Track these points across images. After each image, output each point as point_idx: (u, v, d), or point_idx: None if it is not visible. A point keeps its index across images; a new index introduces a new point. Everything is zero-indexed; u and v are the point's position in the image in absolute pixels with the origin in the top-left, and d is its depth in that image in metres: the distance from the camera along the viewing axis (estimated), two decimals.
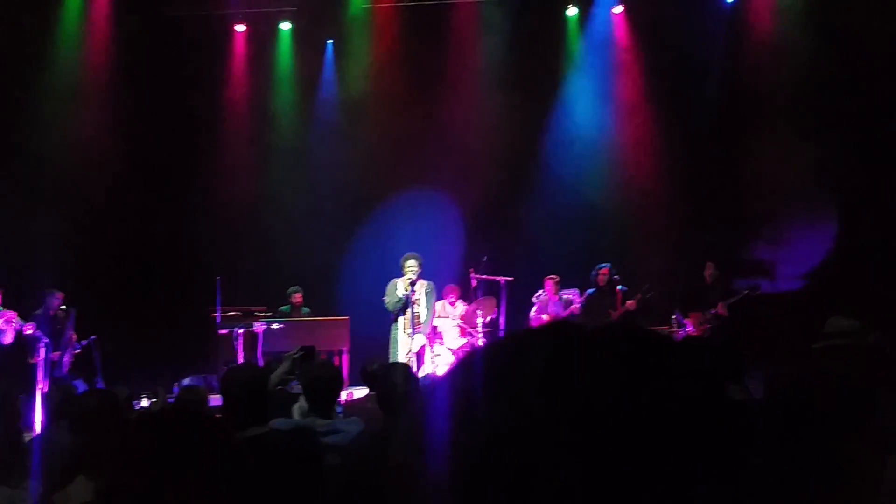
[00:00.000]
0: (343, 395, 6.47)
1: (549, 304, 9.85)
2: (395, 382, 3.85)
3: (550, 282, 9.88)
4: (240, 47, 11.96)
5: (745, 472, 0.61)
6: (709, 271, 9.60)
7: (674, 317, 9.77)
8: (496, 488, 0.58)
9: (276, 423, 3.66)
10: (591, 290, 9.70)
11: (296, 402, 4.35)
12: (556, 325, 0.67)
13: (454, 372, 0.69)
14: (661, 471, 0.57)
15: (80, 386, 7.76)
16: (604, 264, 9.64)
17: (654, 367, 0.62)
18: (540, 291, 9.95)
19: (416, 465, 0.64)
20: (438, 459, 0.62)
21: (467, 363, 0.68)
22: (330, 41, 11.94)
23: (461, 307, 9.87)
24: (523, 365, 0.63)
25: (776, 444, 2.61)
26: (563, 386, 0.60)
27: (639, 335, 0.66)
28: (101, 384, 9.01)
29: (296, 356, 4.54)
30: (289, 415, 4.24)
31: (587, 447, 0.57)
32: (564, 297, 9.81)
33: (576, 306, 9.68)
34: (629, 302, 9.43)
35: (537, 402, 0.60)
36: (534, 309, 10.00)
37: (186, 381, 5.52)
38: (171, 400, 7.04)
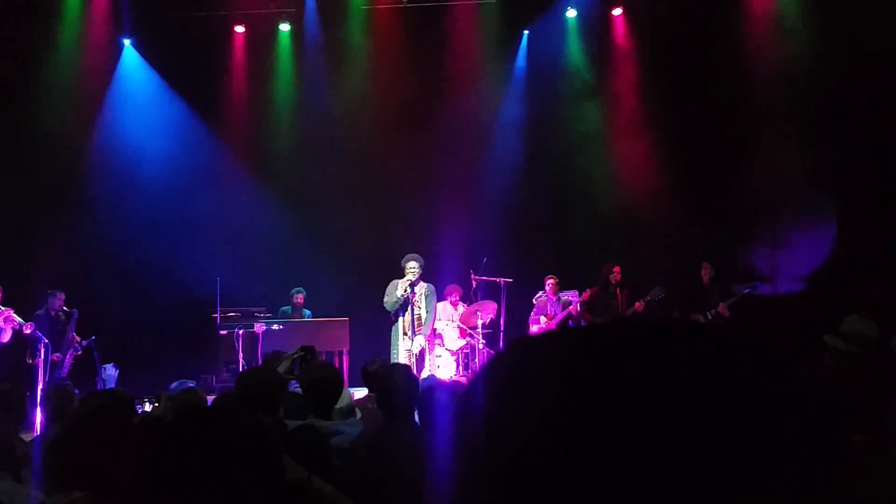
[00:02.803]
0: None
1: (547, 304, 9.82)
2: (394, 383, 3.84)
3: (550, 282, 9.85)
4: (239, 48, 11.97)
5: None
6: (706, 272, 9.56)
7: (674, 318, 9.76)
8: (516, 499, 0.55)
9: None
10: (595, 288, 9.58)
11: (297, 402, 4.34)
12: (579, 329, 0.63)
13: (477, 380, 0.65)
14: (707, 480, 0.53)
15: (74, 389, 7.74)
16: (615, 263, 9.54)
17: (692, 361, 0.57)
18: (540, 293, 9.93)
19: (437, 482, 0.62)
20: (461, 473, 0.60)
21: (489, 371, 0.64)
22: (325, 39, 11.96)
23: (462, 308, 9.86)
24: (546, 367, 0.59)
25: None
26: (589, 390, 0.56)
27: (668, 328, 0.61)
28: (100, 385, 9.02)
29: (296, 356, 4.51)
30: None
31: (615, 455, 0.54)
32: (564, 298, 9.78)
33: (574, 307, 9.62)
34: (637, 304, 9.32)
35: (560, 408, 0.56)
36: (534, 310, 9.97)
37: (174, 385, 5.46)
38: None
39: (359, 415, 4.51)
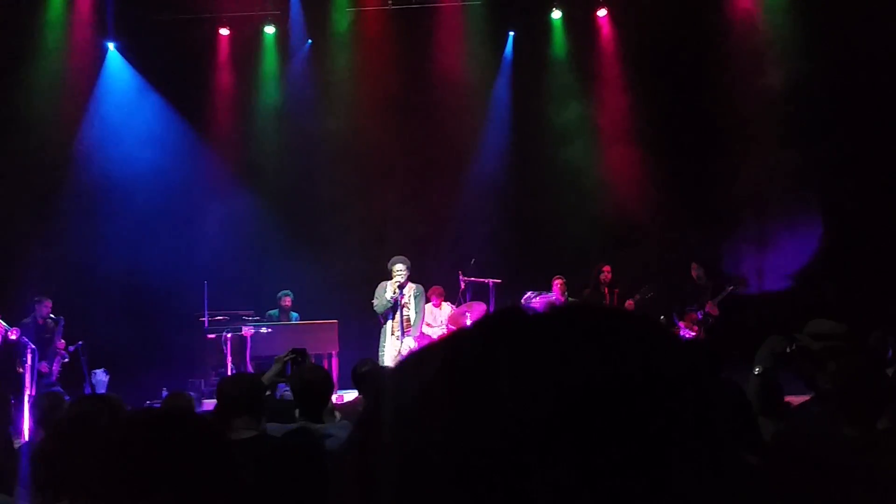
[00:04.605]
0: (332, 399, 6.45)
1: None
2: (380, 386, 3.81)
3: (558, 282, 9.81)
4: (224, 51, 11.92)
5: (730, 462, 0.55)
6: (695, 272, 9.60)
7: (661, 318, 9.78)
8: (458, 489, 0.52)
9: (268, 427, 3.64)
10: (587, 289, 9.61)
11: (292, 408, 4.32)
12: (510, 311, 0.60)
13: (404, 367, 0.62)
14: (641, 460, 0.51)
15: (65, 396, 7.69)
16: (604, 263, 9.56)
17: (627, 346, 0.55)
18: (529, 293, 9.92)
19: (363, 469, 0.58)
20: (389, 462, 0.56)
21: (419, 358, 0.61)
22: (310, 41, 11.93)
23: (447, 309, 9.86)
24: (484, 354, 0.56)
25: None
26: (530, 373, 0.54)
27: (606, 312, 0.59)
28: (88, 390, 8.96)
29: (287, 359, 4.47)
30: (281, 420, 4.21)
31: (559, 436, 0.51)
32: (570, 299, 9.77)
33: None
34: (628, 301, 9.35)
35: (502, 393, 0.53)
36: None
37: (166, 394, 5.47)
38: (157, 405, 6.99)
39: (338, 416, 4.49)
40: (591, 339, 0.56)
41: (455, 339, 0.60)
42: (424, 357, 0.61)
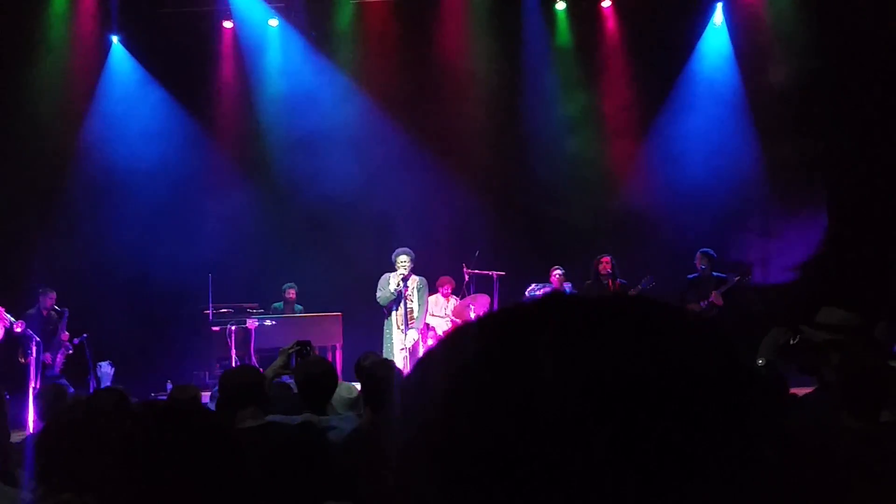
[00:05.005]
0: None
1: None
2: (379, 378, 3.82)
3: (556, 272, 9.80)
4: (228, 44, 11.91)
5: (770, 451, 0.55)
6: (699, 262, 9.58)
7: None
8: (500, 468, 0.52)
9: (271, 418, 3.66)
10: (588, 281, 9.60)
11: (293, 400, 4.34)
12: (558, 296, 0.60)
13: (445, 345, 0.61)
14: (679, 445, 0.51)
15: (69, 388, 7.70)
16: (605, 254, 9.56)
17: (670, 335, 0.56)
18: (533, 285, 9.92)
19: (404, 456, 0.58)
20: (428, 440, 0.56)
21: (459, 337, 0.61)
22: (314, 34, 11.90)
23: (453, 301, 9.86)
24: (529, 333, 0.56)
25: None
26: (576, 354, 0.54)
27: (649, 303, 0.59)
28: (93, 383, 9.00)
29: (291, 350, 4.45)
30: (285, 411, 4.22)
31: (605, 419, 0.51)
32: (568, 290, 9.77)
33: None
34: (630, 292, 9.33)
35: (548, 372, 0.53)
36: None
37: (171, 386, 5.48)
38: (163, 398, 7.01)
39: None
40: (637, 330, 0.55)
41: (495, 323, 0.59)
42: (459, 342, 0.60)
